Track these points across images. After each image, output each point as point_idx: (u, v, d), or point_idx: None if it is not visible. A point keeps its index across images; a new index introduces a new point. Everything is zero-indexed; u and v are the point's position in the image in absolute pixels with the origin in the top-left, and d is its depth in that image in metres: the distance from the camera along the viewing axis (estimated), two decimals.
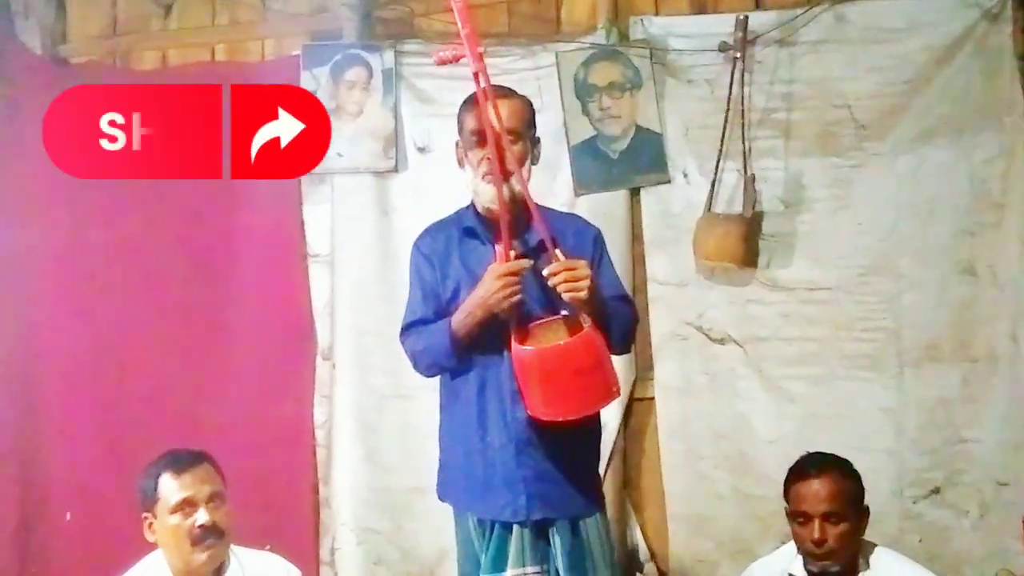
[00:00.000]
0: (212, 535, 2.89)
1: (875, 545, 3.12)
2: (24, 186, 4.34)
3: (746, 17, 4.05)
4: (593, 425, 3.04)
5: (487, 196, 2.96)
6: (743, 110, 4.05)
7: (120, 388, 4.31)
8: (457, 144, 3.09)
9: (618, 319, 2.99)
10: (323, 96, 4.37)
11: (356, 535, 4.38)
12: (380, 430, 4.38)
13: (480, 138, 2.96)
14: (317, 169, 4.38)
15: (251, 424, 4.27)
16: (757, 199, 4.05)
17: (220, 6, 4.65)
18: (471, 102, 3.01)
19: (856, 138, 4.04)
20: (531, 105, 3.13)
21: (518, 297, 2.87)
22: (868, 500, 3.13)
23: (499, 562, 2.96)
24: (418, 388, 4.36)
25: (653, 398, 4.26)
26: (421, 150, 4.40)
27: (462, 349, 2.96)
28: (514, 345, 2.87)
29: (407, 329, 3.09)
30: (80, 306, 4.31)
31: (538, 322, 2.93)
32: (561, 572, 2.94)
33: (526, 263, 2.89)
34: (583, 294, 2.82)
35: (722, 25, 4.11)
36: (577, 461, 3.00)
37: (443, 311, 3.01)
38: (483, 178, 2.97)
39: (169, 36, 4.69)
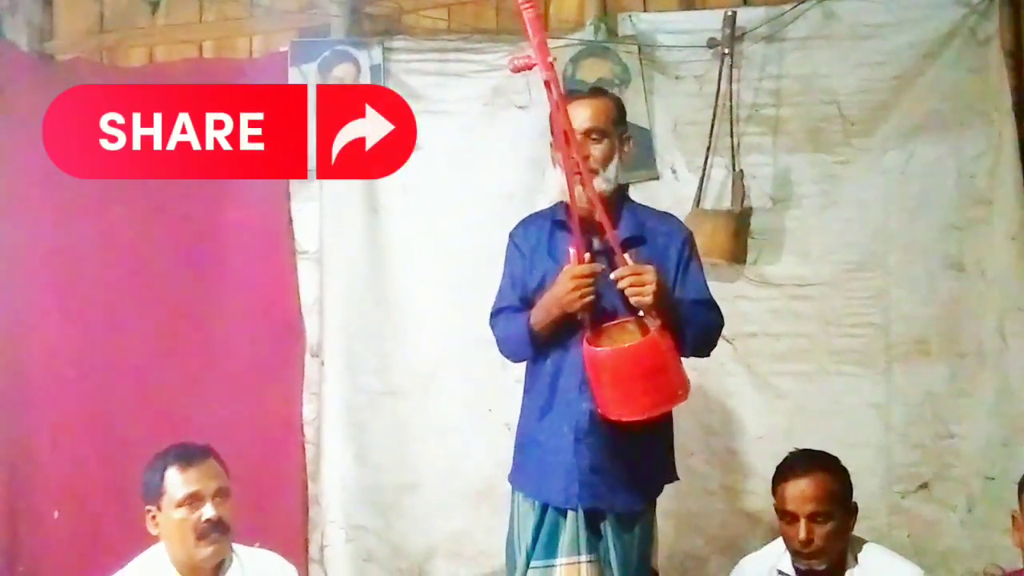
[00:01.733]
0: (217, 530, 2.90)
1: (864, 541, 3.13)
2: (12, 183, 4.32)
3: (734, 13, 4.05)
4: (657, 427, 3.07)
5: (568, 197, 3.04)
6: (731, 106, 4.05)
7: (108, 386, 4.29)
8: (551, 144, 3.18)
9: (695, 324, 3.06)
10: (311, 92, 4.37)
11: (345, 532, 4.37)
12: (369, 428, 4.37)
13: (564, 139, 3.02)
14: None
15: (240, 421, 4.26)
16: (746, 195, 4.05)
17: (208, 3, 4.64)
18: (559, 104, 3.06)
19: (844, 134, 4.04)
20: (618, 103, 3.24)
21: (590, 298, 2.96)
22: (857, 495, 3.14)
23: (550, 549, 3.07)
24: (408, 386, 4.38)
25: None
26: None
27: (539, 342, 3.09)
28: (584, 345, 2.97)
29: (496, 314, 3.23)
30: (69, 304, 4.29)
31: (613, 322, 3.02)
32: (613, 565, 3.04)
33: (597, 266, 2.98)
34: (648, 299, 2.90)
35: (710, 21, 4.11)
36: (635, 459, 3.07)
37: (529, 300, 3.13)
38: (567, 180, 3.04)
39: (157, 33, 4.67)
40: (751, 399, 4.13)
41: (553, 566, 3.06)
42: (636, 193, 4.18)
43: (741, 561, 3.26)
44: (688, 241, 3.19)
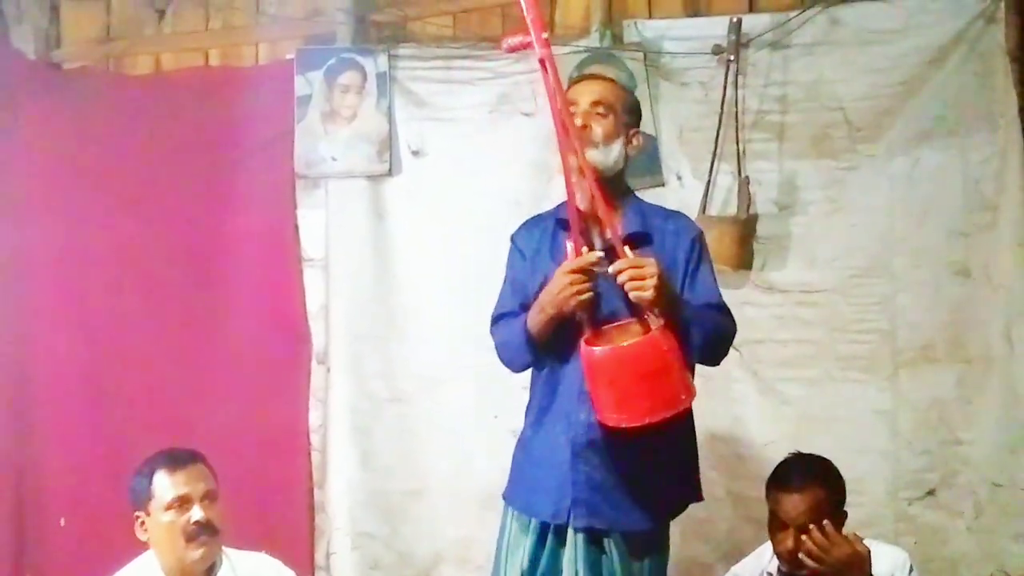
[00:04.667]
0: (206, 532, 2.90)
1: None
2: (19, 190, 4.33)
3: (739, 20, 4.05)
4: (669, 438, 2.88)
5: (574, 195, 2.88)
6: (737, 112, 4.04)
7: (115, 392, 4.30)
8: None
9: (701, 325, 2.87)
10: (317, 100, 4.38)
11: (351, 539, 4.38)
12: (375, 434, 4.38)
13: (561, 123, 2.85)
14: (311, 173, 4.40)
15: (246, 428, 4.27)
16: (751, 201, 4.04)
17: (214, 11, 4.65)
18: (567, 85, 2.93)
19: (850, 140, 4.03)
20: (635, 99, 3.09)
21: (588, 296, 2.78)
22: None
23: (552, 570, 2.91)
24: (413, 392, 4.38)
25: None
26: (415, 153, 4.40)
27: (537, 346, 2.91)
28: (582, 346, 2.80)
29: (496, 321, 3.08)
30: (75, 309, 4.30)
31: (614, 324, 2.85)
32: None
33: (591, 259, 2.79)
34: (648, 293, 2.71)
35: (715, 28, 4.10)
36: (641, 474, 2.88)
37: (529, 304, 2.94)
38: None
39: (163, 41, 4.69)
40: (757, 405, 4.11)
41: None
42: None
43: (733, 568, 3.24)
44: (698, 241, 3.01)
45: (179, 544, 2.88)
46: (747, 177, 4.04)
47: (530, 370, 3.08)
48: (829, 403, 4.04)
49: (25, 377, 4.26)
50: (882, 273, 4.01)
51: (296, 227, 4.47)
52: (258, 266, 4.44)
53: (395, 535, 4.35)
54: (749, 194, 4.04)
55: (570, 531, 2.88)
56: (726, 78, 4.03)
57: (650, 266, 2.74)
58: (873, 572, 2.97)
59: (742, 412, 4.13)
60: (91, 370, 4.31)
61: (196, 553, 2.89)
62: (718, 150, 4.06)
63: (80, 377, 4.30)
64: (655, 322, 2.76)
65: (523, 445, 3.04)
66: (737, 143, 4.04)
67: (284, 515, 4.34)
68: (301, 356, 4.45)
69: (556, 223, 3.00)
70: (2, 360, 4.21)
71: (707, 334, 2.91)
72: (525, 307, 2.97)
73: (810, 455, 3.14)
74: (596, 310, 2.84)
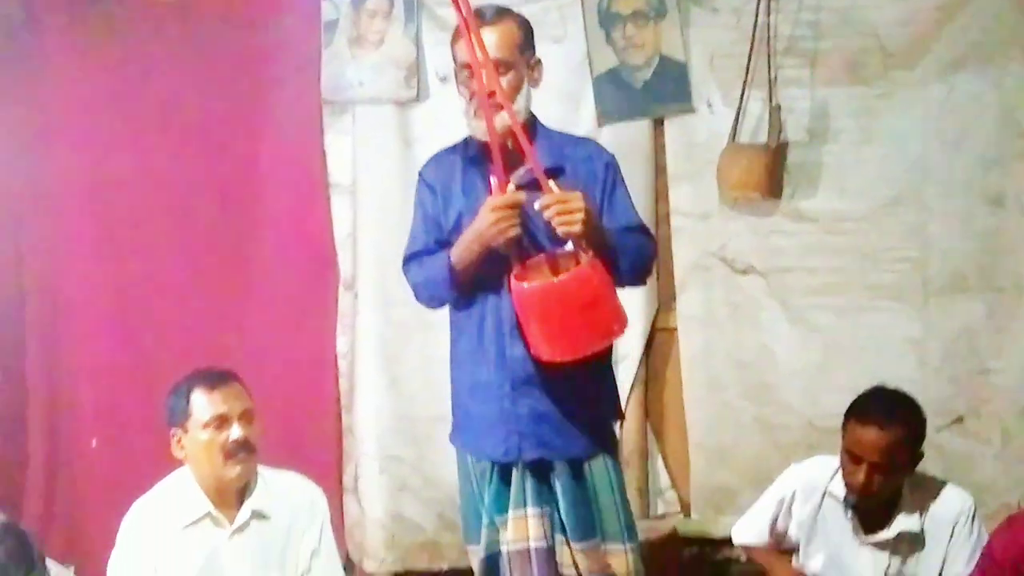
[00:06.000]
0: (244, 450, 2.92)
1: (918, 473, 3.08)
2: (48, 115, 4.33)
3: None
4: (600, 364, 2.91)
5: (479, 130, 2.86)
6: (769, 39, 3.99)
7: (145, 316, 4.33)
8: (455, 73, 2.96)
9: (627, 251, 2.86)
10: (344, 25, 4.35)
11: (379, 463, 4.42)
12: (403, 360, 4.40)
13: (468, 71, 2.82)
14: (338, 98, 4.38)
15: (274, 353, 4.30)
16: (782, 129, 4.00)
17: None
18: (457, 32, 2.87)
19: (883, 67, 3.98)
20: (525, 25, 2.94)
21: (515, 232, 2.76)
22: None
23: (500, 504, 2.90)
24: (441, 319, 4.34)
25: (675, 329, 4.26)
26: (443, 80, 4.35)
27: (461, 282, 2.88)
28: (512, 282, 2.78)
29: (409, 260, 3.03)
30: (105, 235, 4.32)
31: (540, 257, 2.83)
32: (562, 515, 2.87)
33: (521, 196, 2.77)
34: (577, 228, 2.69)
35: None
36: (579, 400, 2.89)
37: (445, 241, 2.92)
38: (474, 113, 2.86)
39: None
40: (785, 334, 4.11)
41: (503, 522, 2.90)
42: (671, 127, 4.19)
43: (791, 468, 3.20)
44: (611, 165, 2.95)
45: (217, 462, 2.91)
46: (778, 104, 4.00)
47: (447, 309, 3.04)
48: (858, 332, 4.03)
49: (57, 302, 4.28)
50: (914, 202, 3.98)
51: (323, 153, 4.46)
52: (285, 192, 4.43)
53: (422, 459, 4.38)
54: (780, 122, 3.99)
55: (518, 467, 2.88)
56: (758, 3, 3.98)
57: (576, 200, 2.72)
58: (939, 513, 2.98)
59: (770, 340, 4.13)
60: (121, 294, 4.33)
61: (234, 471, 2.92)
62: (749, 77, 4.02)
63: (110, 301, 4.33)
64: (584, 255, 2.74)
65: (458, 385, 3.02)
66: (769, 70, 3.99)
67: (312, 439, 4.38)
68: (328, 282, 4.46)
69: (466, 161, 2.96)
70: (34, 285, 4.24)
71: (633, 260, 2.89)
72: (439, 244, 2.94)
73: (893, 390, 3.04)
74: (522, 243, 2.81)
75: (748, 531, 3.26)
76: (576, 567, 2.89)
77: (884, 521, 2.98)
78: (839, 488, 3.02)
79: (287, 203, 4.45)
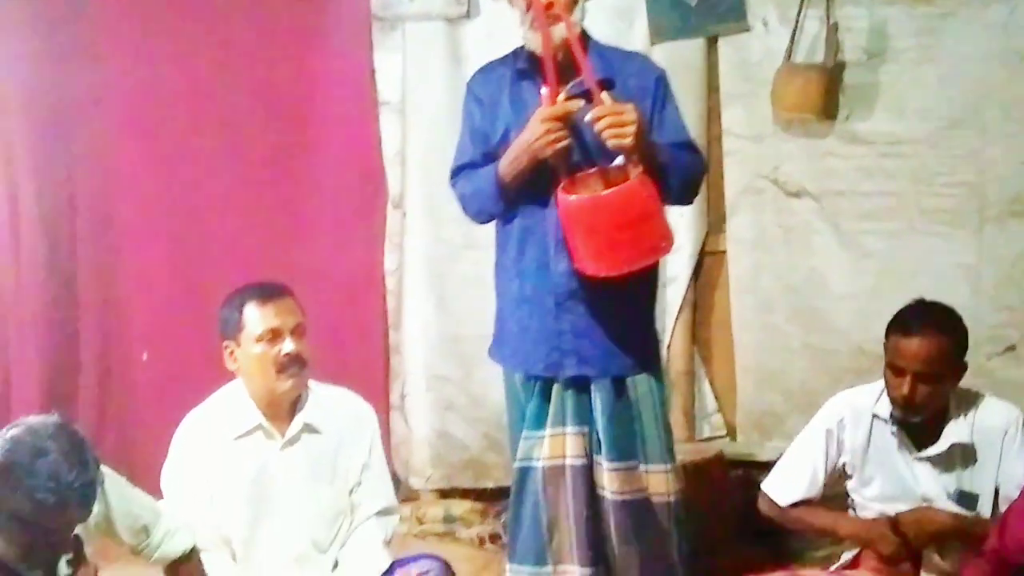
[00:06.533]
0: (296, 364, 2.93)
1: (966, 389, 3.04)
2: (97, 29, 4.31)
3: None
4: (645, 281, 2.89)
5: (534, 42, 2.83)
6: None
7: (195, 231, 4.35)
8: None
9: (677, 168, 2.82)
10: None
11: (426, 381, 4.45)
12: (450, 279, 4.40)
13: None
14: (387, 14, 4.34)
15: (322, 270, 4.30)
16: (839, 49, 3.93)
17: None
18: None
19: None
20: None
21: (564, 143, 2.73)
22: None
23: (539, 420, 2.90)
24: (489, 239, 4.34)
25: (725, 252, 4.24)
26: None
27: (509, 195, 2.85)
28: (559, 195, 2.75)
29: (456, 173, 3.01)
30: (155, 148, 4.32)
31: (589, 172, 2.80)
32: (600, 434, 2.86)
33: (572, 106, 2.74)
34: (628, 140, 2.66)
35: None
36: (623, 318, 2.87)
37: (492, 154, 2.89)
38: (530, 25, 2.83)
39: None
40: (837, 258, 4.07)
41: (540, 438, 2.89)
42: (725, 46, 4.12)
43: (837, 397, 3.18)
44: (662, 80, 2.91)
45: (270, 375, 2.92)
46: (836, 23, 3.93)
47: (495, 223, 3.01)
48: (911, 256, 3.98)
49: (108, 216, 4.30)
50: (972, 125, 3.90)
51: (372, 70, 4.43)
52: (334, 109, 4.42)
53: (469, 379, 4.40)
54: (837, 41, 3.93)
55: (558, 384, 2.87)
56: None
57: (629, 112, 2.68)
58: (987, 424, 2.94)
59: (821, 264, 4.10)
60: (171, 209, 4.35)
61: (286, 384, 2.93)
62: None
63: (161, 215, 4.34)
64: (633, 169, 2.71)
65: (503, 299, 3.01)
66: None
67: (360, 356, 4.41)
68: (377, 200, 4.46)
69: (515, 73, 2.92)
70: (86, 199, 4.26)
71: (682, 177, 2.85)
72: (486, 157, 2.91)
73: (934, 302, 3.00)
74: (571, 156, 2.78)
75: (796, 485, 3.09)
76: (610, 485, 2.89)
77: (934, 437, 2.96)
78: (885, 409, 3.00)
79: (336, 120, 4.43)
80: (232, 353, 2.98)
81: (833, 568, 3.08)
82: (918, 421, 2.93)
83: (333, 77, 4.43)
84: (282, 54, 4.38)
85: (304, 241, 4.39)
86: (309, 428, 3.00)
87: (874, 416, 3.02)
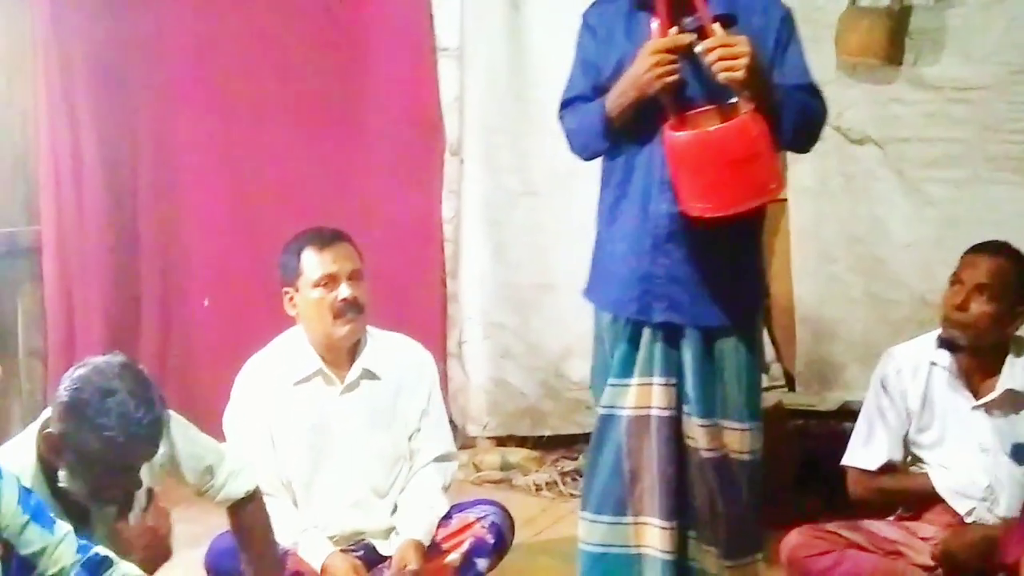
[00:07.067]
0: (353, 310, 2.94)
1: None
2: None
3: None
4: (748, 229, 2.75)
5: None
6: None
7: (255, 179, 4.35)
8: None
9: (794, 111, 2.66)
10: None
11: (483, 329, 4.46)
12: (508, 226, 4.40)
13: None
14: None
15: (380, 217, 4.32)
16: None
17: None
18: None
19: None
20: None
21: (673, 78, 2.59)
22: None
23: (626, 367, 2.80)
24: (547, 186, 4.36)
25: (786, 200, 4.18)
26: None
27: (614, 131, 2.71)
28: (666, 131, 2.62)
29: (564, 106, 2.87)
30: (216, 96, 4.32)
31: (699, 109, 2.65)
32: (688, 388, 2.75)
33: (682, 39, 2.60)
34: (739, 74, 2.51)
35: None
36: (721, 266, 2.73)
37: (603, 88, 2.74)
38: None
39: None
40: (900, 206, 4.01)
41: (626, 386, 2.78)
42: None
43: (891, 349, 3.14)
44: (787, 19, 2.75)
45: (327, 320, 2.94)
46: None
47: (600, 160, 2.87)
48: (976, 205, 3.91)
49: (168, 162, 4.31)
50: None
51: (430, 15, 4.42)
52: (392, 55, 4.41)
53: (526, 327, 4.40)
54: None
55: (648, 328, 2.76)
56: None
57: (742, 45, 2.53)
58: None
59: (884, 213, 4.04)
60: (231, 156, 4.35)
61: (343, 329, 2.95)
62: None
63: (220, 161, 4.34)
64: (745, 106, 2.58)
65: (600, 238, 2.87)
66: None
67: (417, 304, 4.42)
68: (434, 147, 4.46)
69: (632, 3, 2.77)
70: (147, 144, 4.27)
71: (798, 119, 2.69)
72: (597, 90, 2.77)
73: (1005, 242, 3.02)
74: (681, 93, 2.64)
75: (878, 447, 3.03)
76: (697, 439, 2.79)
77: (991, 385, 2.95)
78: (942, 357, 2.98)
79: (394, 66, 4.42)
80: (291, 299, 3.00)
81: (892, 518, 3.06)
82: (964, 344, 2.92)
83: (391, 24, 4.41)
84: (340, 1, 4.37)
85: (362, 189, 4.40)
86: (368, 374, 3.02)
87: (932, 364, 3.00)
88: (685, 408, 2.77)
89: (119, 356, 2.32)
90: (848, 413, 4.04)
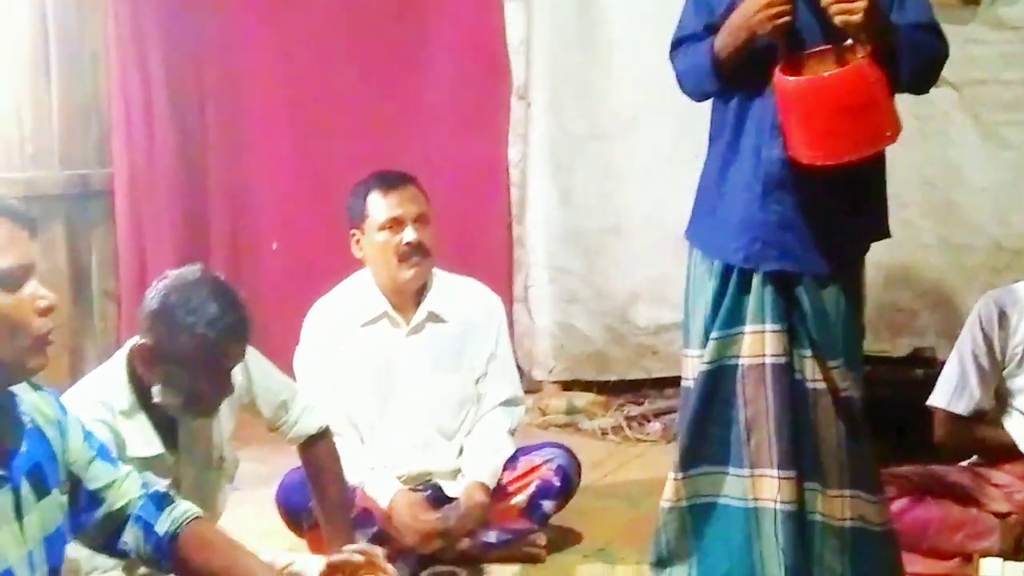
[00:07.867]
0: (418, 253, 2.95)
1: None
2: None
3: None
4: (864, 175, 2.63)
5: None
6: None
7: (321, 122, 4.36)
8: None
9: (911, 51, 2.54)
10: None
11: (549, 273, 4.45)
12: (575, 171, 4.37)
13: None
14: None
15: (447, 161, 4.31)
16: None
17: None
18: None
19: None
20: None
21: (785, 19, 2.50)
22: None
23: (735, 316, 2.69)
24: (614, 129, 4.33)
25: None
26: None
27: (725, 73, 2.62)
28: (777, 75, 2.52)
29: (677, 45, 2.76)
30: (282, 40, 4.33)
31: (812, 52, 2.55)
32: (812, 332, 2.64)
33: None
34: (857, 17, 2.41)
35: None
36: (833, 213, 2.63)
37: (716, 27, 2.63)
38: None
39: None
40: (975, 149, 3.93)
41: (736, 335, 2.67)
42: None
43: (991, 292, 3.03)
44: None
45: (392, 263, 2.96)
46: None
47: (712, 101, 2.77)
48: None
49: (236, 107, 4.35)
50: None
51: None
52: None
53: (592, 271, 4.39)
54: None
55: (757, 275, 2.66)
56: None
57: None
58: None
59: (958, 156, 3.96)
60: (298, 100, 4.37)
61: (408, 273, 2.96)
62: None
63: (287, 106, 4.37)
64: (861, 50, 2.47)
65: (708, 182, 2.78)
66: None
67: (484, 247, 4.43)
68: (501, 91, 4.43)
69: None
70: (214, 90, 4.30)
71: (917, 61, 2.57)
72: (710, 29, 2.67)
73: None
74: (794, 35, 2.54)
75: (970, 391, 2.97)
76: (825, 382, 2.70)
77: None
78: None
79: (460, 9, 4.40)
80: (358, 241, 3.01)
81: (965, 463, 3.01)
82: None
83: None
84: None
85: (428, 133, 4.39)
86: (434, 317, 3.03)
87: None
88: (805, 353, 2.67)
89: (197, 265, 2.36)
90: (919, 360, 4.02)
